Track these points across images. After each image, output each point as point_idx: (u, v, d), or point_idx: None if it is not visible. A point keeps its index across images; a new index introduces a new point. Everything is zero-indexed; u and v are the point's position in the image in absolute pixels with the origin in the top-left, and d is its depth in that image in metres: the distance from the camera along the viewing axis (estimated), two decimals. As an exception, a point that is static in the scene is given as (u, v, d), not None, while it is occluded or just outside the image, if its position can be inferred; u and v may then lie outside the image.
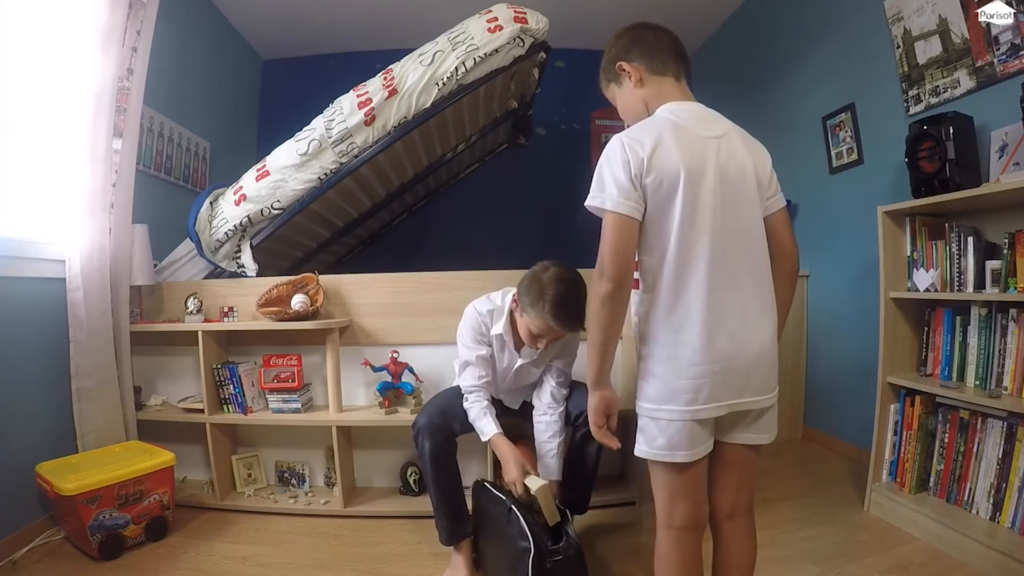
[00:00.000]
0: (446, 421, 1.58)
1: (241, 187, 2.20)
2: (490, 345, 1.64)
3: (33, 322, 1.78)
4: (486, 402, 1.60)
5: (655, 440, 0.99)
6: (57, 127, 1.88)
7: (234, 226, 2.18)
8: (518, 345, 1.62)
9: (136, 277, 2.10)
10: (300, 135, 2.16)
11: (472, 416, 1.58)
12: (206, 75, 3.15)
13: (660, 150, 0.95)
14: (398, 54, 2.21)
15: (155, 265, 2.26)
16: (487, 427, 1.55)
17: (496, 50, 2.13)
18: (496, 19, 2.16)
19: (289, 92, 3.92)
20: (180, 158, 2.85)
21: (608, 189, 0.95)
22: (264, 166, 2.19)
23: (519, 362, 1.63)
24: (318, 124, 2.13)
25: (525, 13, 2.22)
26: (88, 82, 1.87)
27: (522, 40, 2.20)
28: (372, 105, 2.07)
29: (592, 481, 1.71)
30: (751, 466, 1.09)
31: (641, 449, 1.01)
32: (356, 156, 2.16)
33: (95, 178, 1.90)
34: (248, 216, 2.18)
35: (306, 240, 2.82)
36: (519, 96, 2.94)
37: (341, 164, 2.16)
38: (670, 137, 0.97)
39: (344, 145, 2.12)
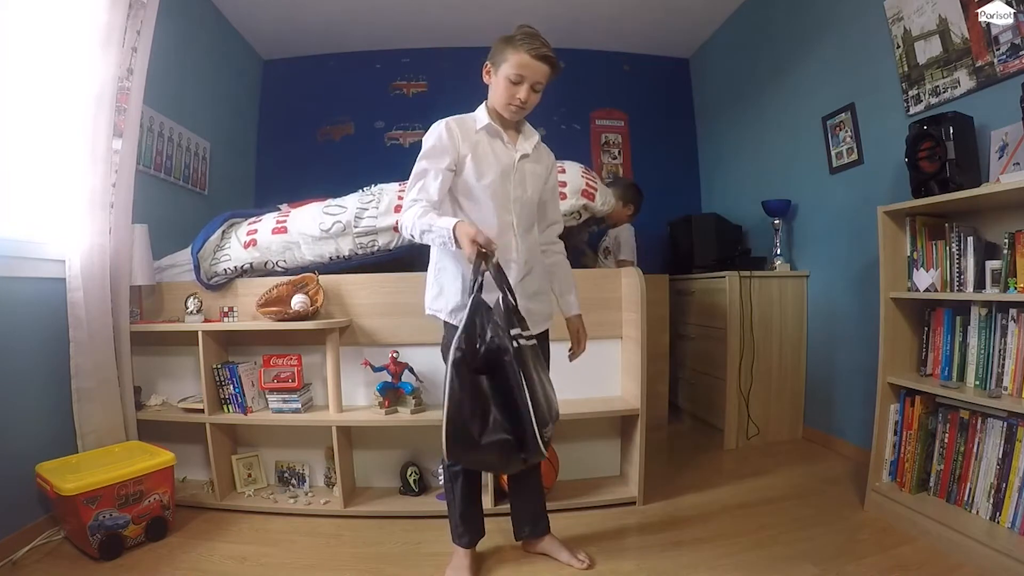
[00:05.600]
0: None
1: (256, 232, 2.15)
2: (455, 159, 1.43)
3: (33, 322, 1.78)
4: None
5: None
6: (57, 127, 1.88)
7: (235, 267, 2.14)
8: (511, 136, 1.51)
9: (136, 277, 2.10)
10: (330, 208, 2.11)
11: (416, 220, 1.34)
12: (206, 75, 3.15)
13: None
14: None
15: (156, 263, 2.25)
16: (443, 222, 1.31)
17: None
18: (565, 184, 2.08)
19: (289, 92, 3.93)
20: (180, 158, 2.85)
21: None
22: (285, 221, 2.14)
23: (518, 155, 1.49)
24: (351, 205, 2.09)
25: (596, 190, 2.11)
26: (88, 82, 1.87)
27: (580, 215, 2.13)
28: None
29: (543, 495, 1.69)
30: None
31: None
32: (372, 253, 2.13)
33: (95, 178, 1.90)
34: (251, 263, 2.15)
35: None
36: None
37: (356, 254, 2.13)
38: None
39: (366, 239, 2.09)
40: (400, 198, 2.04)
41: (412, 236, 1.39)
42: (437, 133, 1.45)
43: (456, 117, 1.49)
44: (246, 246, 2.14)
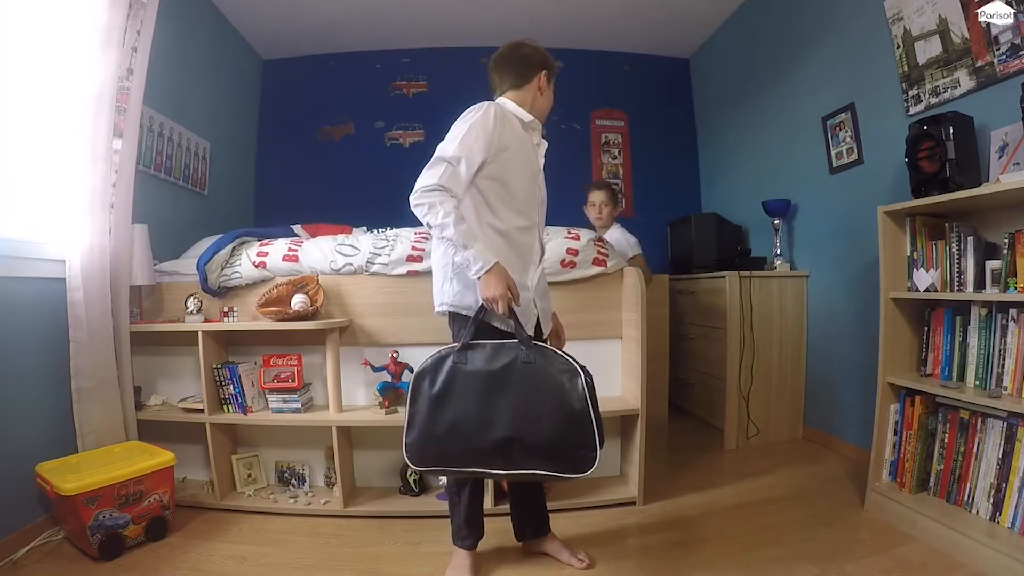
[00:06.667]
0: None
1: (267, 255, 2.14)
2: (490, 152, 1.36)
3: (33, 322, 1.78)
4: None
5: None
6: (57, 127, 1.88)
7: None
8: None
9: (136, 277, 2.10)
10: (343, 247, 2.10)
11: (444, 220, 1.25)
12: (206, 75, 3.15)
13: None
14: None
15: (156, 264, 2.25)
16: (480, 253, 1.26)
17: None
18: (576, 253, 2.05)
19: (289, 92, 3.94)
20: (180, 158, 2.85)
21: None
22: (296, 251, 2.13)
23: (542, 161, 1.55)
24: (364, 247, 2.08)
25: (607, 256, 2.11)
26: (88, 82, 1.87)
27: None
28: (419, 268, 2.03)
29: (543, 495, 1.70)
30: None
31: None
32: None
33: (95, 178, 1.90)
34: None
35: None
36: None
37: None
38: None
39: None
40: (414, 248, 2.04)
41: (428, 224, 1.30)
42: (483, 119, 1.34)
43: (498, 104, 1.45)
44: (256, 265, 2.13)
